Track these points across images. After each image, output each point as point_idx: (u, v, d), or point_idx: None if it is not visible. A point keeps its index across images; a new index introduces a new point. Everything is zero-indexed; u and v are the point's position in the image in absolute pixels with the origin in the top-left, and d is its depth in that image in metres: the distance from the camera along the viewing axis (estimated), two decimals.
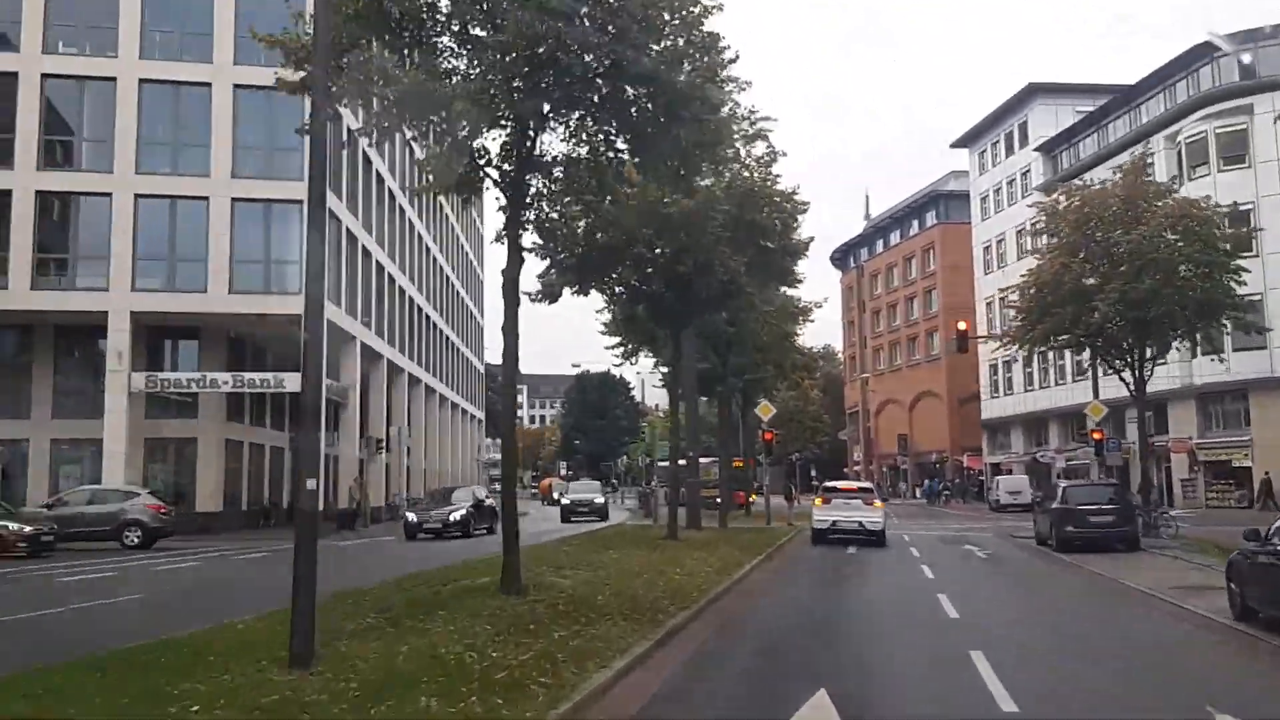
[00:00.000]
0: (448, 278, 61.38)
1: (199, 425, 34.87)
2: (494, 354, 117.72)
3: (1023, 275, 32.22)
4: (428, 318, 54.96)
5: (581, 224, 20.14)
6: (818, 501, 28.56)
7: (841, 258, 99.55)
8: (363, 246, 41.10)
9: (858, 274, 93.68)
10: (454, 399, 63.62)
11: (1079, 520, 23.55)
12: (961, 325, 33.88)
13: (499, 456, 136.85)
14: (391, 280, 46.63)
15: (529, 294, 21.90)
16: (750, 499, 47.62)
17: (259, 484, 37.92)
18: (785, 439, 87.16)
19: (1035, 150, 63.26)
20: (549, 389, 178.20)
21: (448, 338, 61.92)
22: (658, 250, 21.62)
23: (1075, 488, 25.20)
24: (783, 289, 36.12)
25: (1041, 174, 62.79)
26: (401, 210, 49.38)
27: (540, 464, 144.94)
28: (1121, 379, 29.89)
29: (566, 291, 22.44)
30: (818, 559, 23.17)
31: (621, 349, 32.49)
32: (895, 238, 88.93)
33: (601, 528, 33.11)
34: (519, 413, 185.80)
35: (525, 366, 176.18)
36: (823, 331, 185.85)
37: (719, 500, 34.80)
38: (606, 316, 30.56)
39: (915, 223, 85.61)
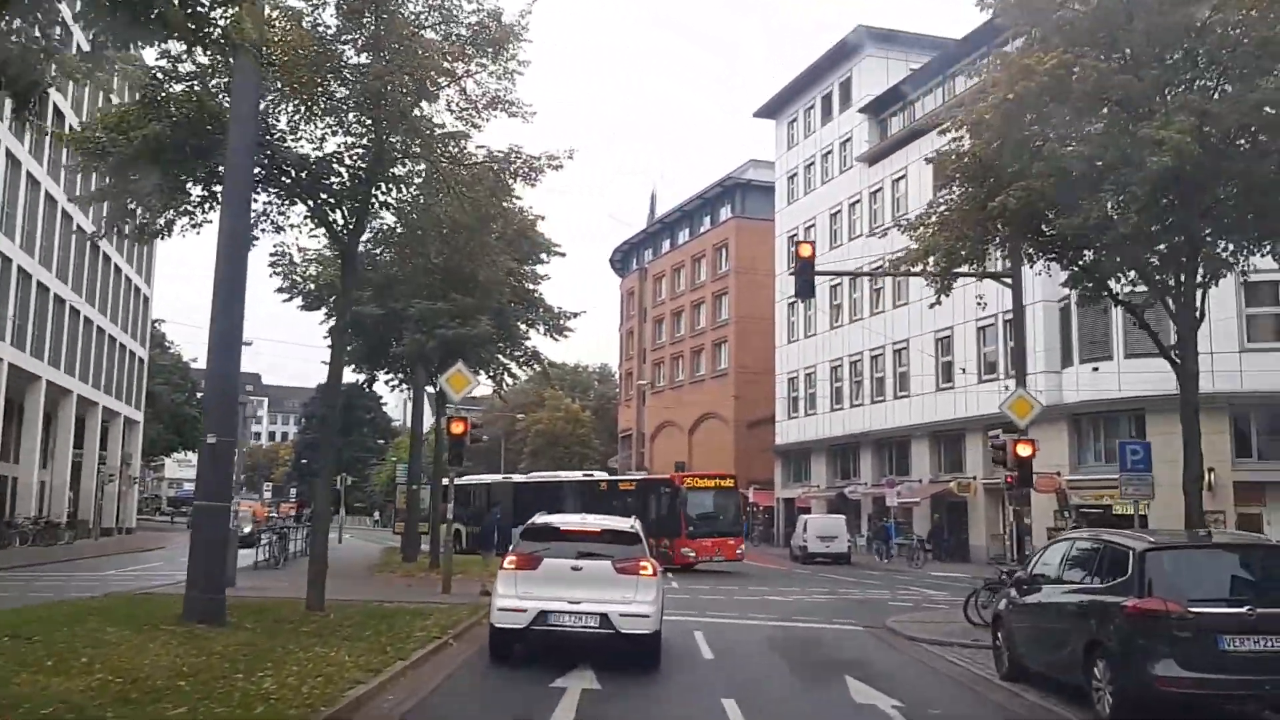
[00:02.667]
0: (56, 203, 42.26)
1: None
2: (176, 333, 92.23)
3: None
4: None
5: None
6: (510, 563, 12.67)
7: (622, 259, 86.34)
8: None
9: (640, 277, 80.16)
10: (69, 385, 44.26)
11: (1201, 653, 8.69)
12: (805, 250, 19.05)
13: (158, 475, 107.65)
14: None
15: None
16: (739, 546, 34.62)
17: None
18: (548, 468, 71.69)
19: (860, 111, 51.34)
20: (294, 403, 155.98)
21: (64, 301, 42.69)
22: None
23: (1180, 555, 9.82)
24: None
25: (865, 142, 51.46)
26: None
27: (272, 485, 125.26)
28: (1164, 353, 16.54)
29: None
30: None
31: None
32: (685, 236, 76.19)
33: None
34: (256, 428, 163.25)
35: (269, 378, 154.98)
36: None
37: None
38: None
39: (707, 218, 73.38)
